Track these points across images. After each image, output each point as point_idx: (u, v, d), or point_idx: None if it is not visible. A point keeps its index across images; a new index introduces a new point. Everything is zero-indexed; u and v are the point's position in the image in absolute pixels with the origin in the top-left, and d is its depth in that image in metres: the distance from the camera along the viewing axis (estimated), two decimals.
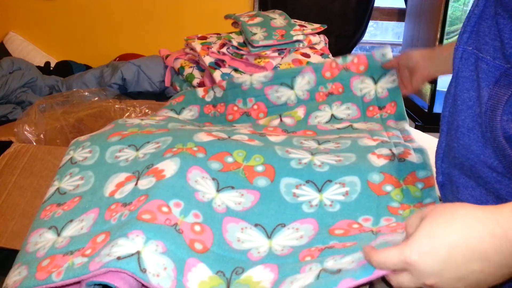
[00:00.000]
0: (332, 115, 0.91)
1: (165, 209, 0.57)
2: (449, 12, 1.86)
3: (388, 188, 0.64)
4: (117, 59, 1.96)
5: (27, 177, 0.82)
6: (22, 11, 2.33)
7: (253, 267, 0.54)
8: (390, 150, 0.71)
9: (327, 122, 0.90)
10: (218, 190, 0.63)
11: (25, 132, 0.93)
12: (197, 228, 0.57)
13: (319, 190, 0.65)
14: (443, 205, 0.42)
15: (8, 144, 0.89)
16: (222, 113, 0.98)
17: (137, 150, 0.71)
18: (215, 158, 0.67)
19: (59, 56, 2.25)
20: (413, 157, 0.69)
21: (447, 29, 1.88)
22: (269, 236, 0.59)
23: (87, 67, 1.88)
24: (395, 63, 0.94)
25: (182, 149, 0.67)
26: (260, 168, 0.67)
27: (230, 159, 0.67)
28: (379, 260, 0.43)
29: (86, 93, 1.19)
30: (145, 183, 0.62)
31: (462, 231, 0.39)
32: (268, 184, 0.65)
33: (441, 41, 2.08)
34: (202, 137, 0.71)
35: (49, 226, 0.62)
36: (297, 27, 1.36)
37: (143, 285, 0.49)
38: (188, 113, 1.00)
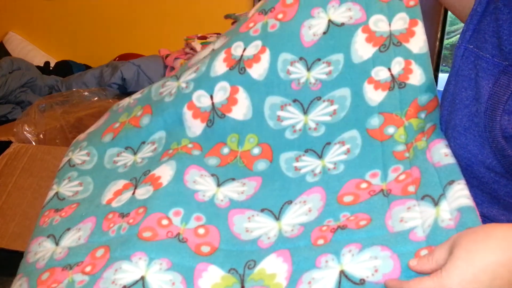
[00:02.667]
0: (330, 21, 0.71)
1: (165, 221, 0.57)
2: (449, 11, 1.86)
3: (390, 130, 0.59)
4: (117, 59, 1.96)
5: (27, 178, 0.82)
6: (22, 11, 2.33)
7: (265, 257, 0.53)
8: (389, 70, 0.62)
9: (324, 33, 0.70)
10: (218, 185, 0.62)
11: (25, 132, 0.93)
12: (201, 231, 0.57)
13: (320, 156, 0.63)
14: (475, 228, 0.41)
15: (7, 144, 0.89)
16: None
17: (135, 153, 0.71)
18: (211, 154, 0.67)
19: (58, 56, 2.24)
20: (415, 75, 0.60)
21: (447, 28, 1.88)
22: (278, 218, 0.58)
23: (87, 67, 1.88)
24: None
25: (178, 149, 0.67)
26: (256, 151, 0.66)
27: (225, 150, 0.67)
28: None
29: (86, 93, 1.19)
30: (142, 192, 0.62)
31: (506, 248, 0.38)
32: (268, 166, 0.64)
33: (441, 40, 2.08)
34: (196, 129, 0.69)
35: (47, 235, 0.62)
36: None
37: None
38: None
